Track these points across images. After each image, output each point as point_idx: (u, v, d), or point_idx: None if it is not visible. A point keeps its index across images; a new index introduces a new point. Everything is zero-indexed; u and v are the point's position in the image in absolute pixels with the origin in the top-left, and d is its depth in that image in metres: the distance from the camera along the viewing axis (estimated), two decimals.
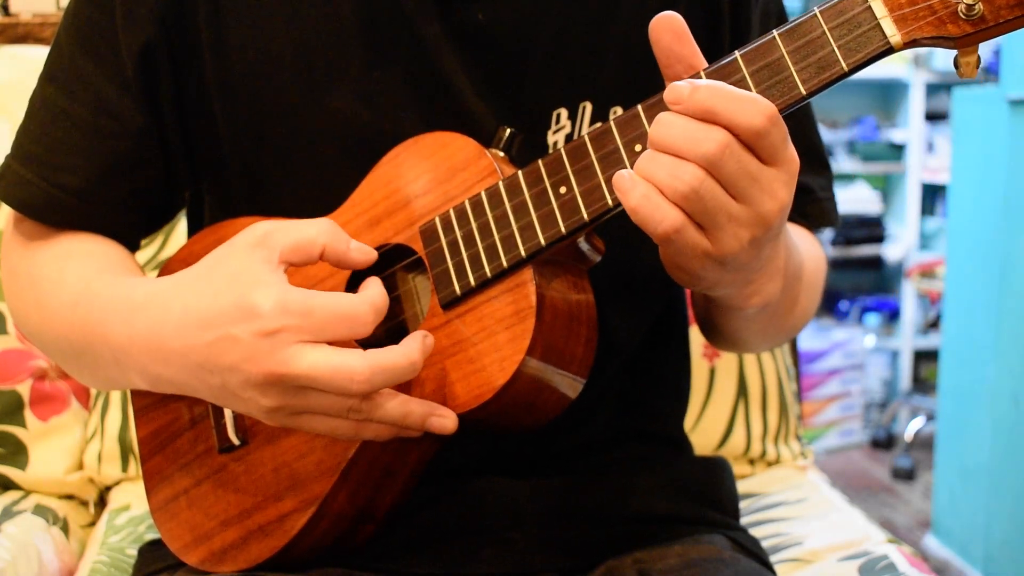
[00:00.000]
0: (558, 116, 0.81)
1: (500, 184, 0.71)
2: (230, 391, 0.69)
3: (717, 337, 0.94)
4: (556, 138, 0.81)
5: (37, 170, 0.82)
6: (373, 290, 0.69)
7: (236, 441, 0.78)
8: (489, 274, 0.71)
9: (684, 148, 0.61)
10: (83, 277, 0.80)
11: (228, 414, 0.79)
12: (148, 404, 0.84)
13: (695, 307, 0.95)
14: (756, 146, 0.61)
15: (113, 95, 0.81)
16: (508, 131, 0.75)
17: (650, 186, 0.62)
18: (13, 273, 0.86)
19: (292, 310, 0.66)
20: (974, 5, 0.59)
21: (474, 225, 0.72)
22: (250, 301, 0.66)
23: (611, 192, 0.68)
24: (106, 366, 0.77)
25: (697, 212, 0.62)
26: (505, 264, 0.70)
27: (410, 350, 0.67)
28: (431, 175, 0.75)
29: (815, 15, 0.62)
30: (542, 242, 0.69)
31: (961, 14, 0.59)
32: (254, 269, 0.68)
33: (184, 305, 0.70)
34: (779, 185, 0.63)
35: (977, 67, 0.62)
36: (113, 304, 0.76)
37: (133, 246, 0.88)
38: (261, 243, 0.69)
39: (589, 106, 0.82)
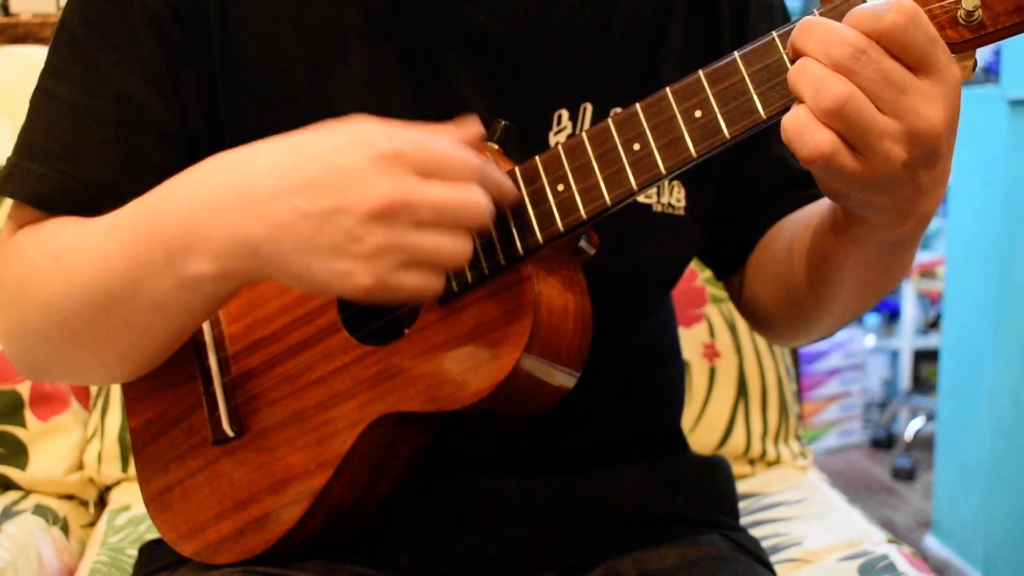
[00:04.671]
0: (559, 117, 0.81)
1: None
2: (327, 236, 0.62)
3: (802, 305, 0.86)
4: (557, 139, 0.81)
5: (54, 164, 0.77)
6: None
7: (231, 433, 0.78)
8: (487, 270, 0.71)
9: (818, 51, 0.58)
10: (115, 213, 0.73)
11: (222, 406, 0.79)
12: (140, 394, 0.84)
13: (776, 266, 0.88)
14: (898, 49, 0.58)
15: (135, 89, 0.78)
16: (503, 124, 0.74)
17: (801, 105, 0.59)
18: (19, 263, 0.77)
19: (410, 137, 0.63)
20: (973, 12, 0.59)
21: None
22: (365, 132, 0.63)
23: (610, 191, 0.68)
24: (152, 282, 0.69)
25: (844, 130, 0.59)
26: (503, 261, 0.70)
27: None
28: None
29: None
30: (540, 240, 0.70)
31: (960, 20, 0.59)
32: (359, 122, 0.65)
33: (275, 154, 0.66)
34: (930, 101, 0.59)
35: (974, 70, 0.62)
36: (171, 186, 0.70)
37: None
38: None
39: (590, 107, 0.82)
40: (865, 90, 0.58)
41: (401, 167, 0.62)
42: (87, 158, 0.77)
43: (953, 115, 0.60)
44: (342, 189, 0.62)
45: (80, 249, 0.73)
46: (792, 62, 0.61)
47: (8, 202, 1.27)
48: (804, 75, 0.59)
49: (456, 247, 0.63)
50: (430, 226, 0.63)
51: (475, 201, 0.63)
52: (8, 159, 0.79)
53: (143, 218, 0.70)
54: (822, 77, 0.58)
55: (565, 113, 0.81)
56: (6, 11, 1.49)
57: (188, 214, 0.67)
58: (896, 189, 0.63)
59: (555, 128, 0.81)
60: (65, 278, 0.73)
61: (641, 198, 0.83)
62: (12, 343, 0.80)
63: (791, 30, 0.62)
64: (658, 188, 0.84)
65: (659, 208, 0.84)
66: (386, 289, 0.63)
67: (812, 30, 0.59)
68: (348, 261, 0.62)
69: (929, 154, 0.61)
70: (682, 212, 0.85)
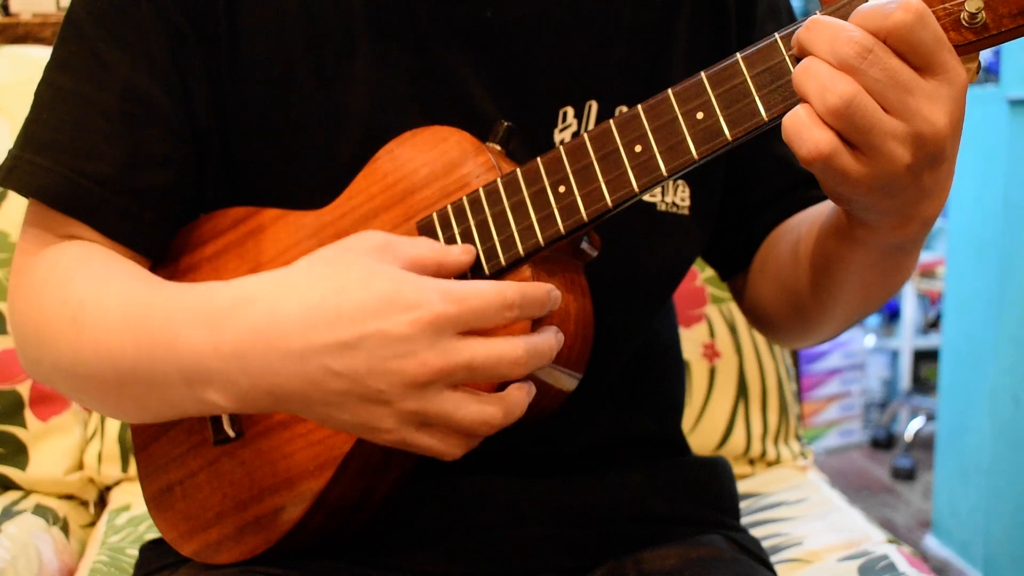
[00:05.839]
0: (564, 114, 0.81)
1: (498, 182, 0.71)
2: (357, 397, 0.63)
3: (805, 307, 0.85)
4: (562, 136, 0.81)
5: (57, 157, 0.76)
6: (505, 283, 0.66)
7: (231, 433, 0.78)
8: (488, 272, 0.71)
9: (824, 50, 0.58)
10: (130, 289, 0.72)
11: None
12: None
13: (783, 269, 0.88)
14: (904, 48, 0.58)
15: (142, 82, 0.77)
16: (505, 124, 0.74)
17: (803, 105, 0.59)
18: (36, 306, 0.76)
19: (451, 297, 0.62)
20: (977, 14, 0.59)
21: (472, 223, 0.71)
22: (404, 295, 0.62)
23: (611, 193, 0.68)
24: (166, 388, 0.69)
25: (848, 130, 0.58)
26: (503, 263, 0.70)
27: (550, 334, 0.67)
28: (428, 169, 0.74)
29: None
30: (541, 242, 0.69)
31: (964, 22, 0.59)
32: (390, 270, 0.64)
33: (302, 302, 0.63)
34: (936, 103, 0.58)
35: (977, 72, 0.62)
36: (185, 312, 0.68)
37: (154, 255, 0.81)
38: (385, 249, 0.66)
39: (595, 104, 0.82)
40: (871, 90, 0.58)
41: (445, 332, 0.62)
42: (91, 151, 0.76)
43: (958, 118, 0.60)
44: (380, 352, 0.62)
45: (95, 324, 0.72)
46: (797, 61, 0.61)
47: (9, 198, 1.28)
48: (809, 75, 0.59)
49: (480, 413, 0.64)
50: (460, 387, 0.64)
51: (510, 359, 0.63)
52: (10, 151, 0.78)
53: (159, 335, 0.68)
54: (828, 76, 0.58)
55: (571, 110, 0.81)
56: (6, 11, 1.49)
57: (209, 353, 0.66)
58: (899, 192, 0.63)
59: (560, 125, 0.81)
60: (80, 346, 0.72)
61: (646, 197, 0.83)
62: (25, 360, 0.79)
63: (794, 31, 0.61)
64: (662, 187, 0.84)
65: (664, 207, 0.84)
66: (406, 445, 0.66)
67: (818, 28, 0.59)
68: (374, 417, 0.64)
69: (933, 157, 0.61)
70: (686, 211, 0.85)
